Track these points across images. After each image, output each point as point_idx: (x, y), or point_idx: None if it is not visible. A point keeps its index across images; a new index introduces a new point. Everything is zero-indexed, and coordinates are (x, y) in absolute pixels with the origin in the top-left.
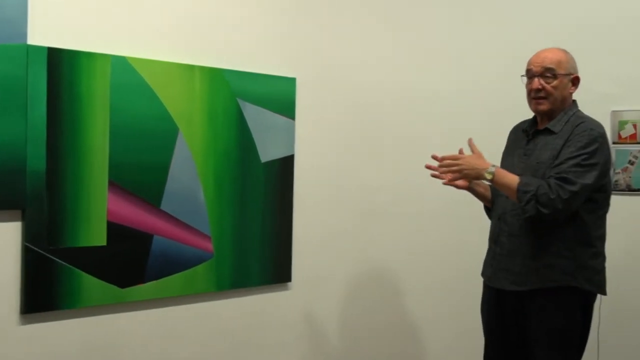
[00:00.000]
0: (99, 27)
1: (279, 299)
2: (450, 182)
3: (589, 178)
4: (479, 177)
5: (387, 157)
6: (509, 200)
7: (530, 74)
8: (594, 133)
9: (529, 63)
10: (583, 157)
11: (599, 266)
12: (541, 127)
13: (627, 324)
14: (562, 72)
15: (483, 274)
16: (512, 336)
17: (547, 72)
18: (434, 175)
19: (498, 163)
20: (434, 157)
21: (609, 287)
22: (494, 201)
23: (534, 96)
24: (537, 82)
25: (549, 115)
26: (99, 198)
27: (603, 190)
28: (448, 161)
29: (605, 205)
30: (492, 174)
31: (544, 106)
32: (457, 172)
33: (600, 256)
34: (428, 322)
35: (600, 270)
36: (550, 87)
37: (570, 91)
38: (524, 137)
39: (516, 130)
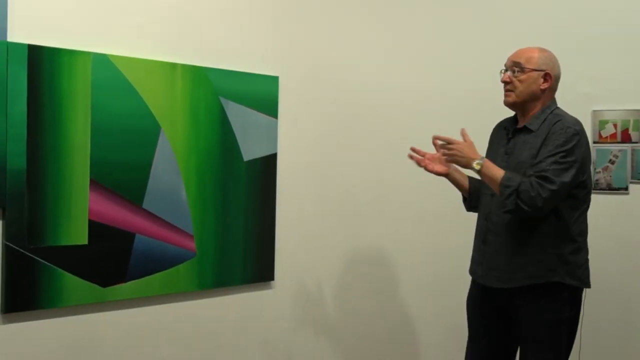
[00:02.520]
0: (80, 25)
1: (261, 298)
2: (431, 169)
3: (568, 176)
4: (468, 165)
5: (371, 155)
6: (493, 199)
7: (504, 68)
8: (570, 131)
9: (507, 59)
10: (561, 154)
11: (581, 260)
12: (520, 125)
13: (608, 318)
14: (530, 66)
15: (472, 272)
16: (497, 333)
17: (515, 66)
18: (417, 160)
19: None
20: (435, 138)
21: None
22: (478, 199)
23: (504, 89)
24: (505, 75)
25: (525, 112)
26: (80, 197)
27: (583, 187)
28: (441, 142)
29: (586, 201)
30: (481, 164)
31: (510, 98)
32: (449, 155)
33: (582, 250)
34: (414, 320)
35: (582, 264)
36: (517, 81)
37: (542, 87)
38: (504, 135)
39: (498, 128)
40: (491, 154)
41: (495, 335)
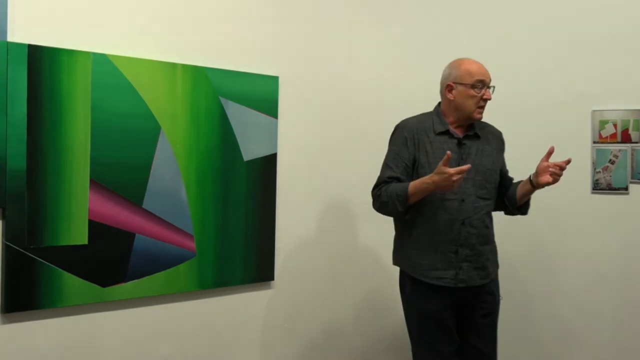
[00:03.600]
0: (80, 24)
1: (261, 298)
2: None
3: None
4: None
5: (370, 155)
6: (469, 204)
7: (483, 84)
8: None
9: (480, 74)
10: None
11: None
12: (461, 132)
13: (607, 317)
14: None
15: (436, 278)
16: (455, 331)
17: (490, 85)
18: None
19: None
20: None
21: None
22: (441, 207)
23: (482, 105)
24: (489, 93)
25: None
26: (80, 197)
27: None
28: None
29: None
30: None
31: (482, 115)
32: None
33: None
34: None
35: None
36: None
37: None
38: (447, 141)
39: (423, 130)
40: (431, 159)
41: (455, 336)
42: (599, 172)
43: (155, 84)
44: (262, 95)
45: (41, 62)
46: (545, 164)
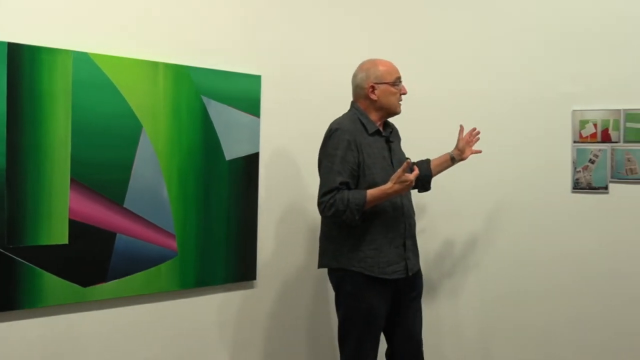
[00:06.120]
0: (61, 22)
1: (244, 298)
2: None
3: None
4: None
5: None
6: (404, 198)
7: (400, 80)
8: None
9: (396, 71)
10: None
11: None
12: (384, 131)
13: (594, 319)
14: None
15: (391, 272)
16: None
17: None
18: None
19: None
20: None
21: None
22: (388, 205)
23: (401, 100)
24: (405, 88)
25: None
26: (61, 196)
27: None
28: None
29: None
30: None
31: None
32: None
33: None
34: None
35: None
36: None
37: None
38: (379, 140)
39: (356, 132)
40: (374, 159)
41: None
42: (579, 171)
43: (137, 82)
44: (245, 94)
45: (21, 60)
46: (467, 139)
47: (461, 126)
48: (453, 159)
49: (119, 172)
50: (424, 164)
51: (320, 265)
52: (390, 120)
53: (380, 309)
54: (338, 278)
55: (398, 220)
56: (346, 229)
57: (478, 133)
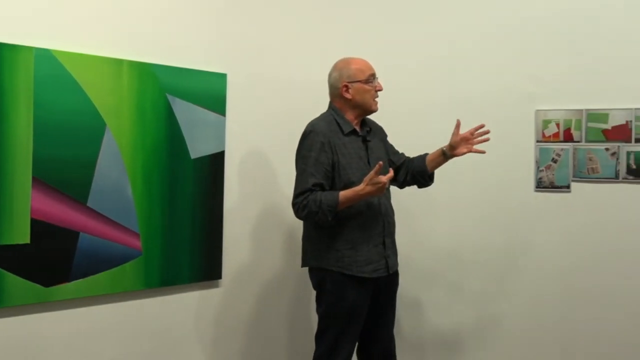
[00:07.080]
0: (22, 19)
1: (209, 297)
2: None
3: None
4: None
5: None
6: (383, 197)
7: (374, 77)
8: None
9: (369, 68)
10: None
11: None
12: (361, 130)
13: (551, 313)
14: None
15: (375, 270)
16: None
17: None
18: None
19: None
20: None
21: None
22: (364, 205)
23: (376, 97)
24: (380, 84)
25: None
26: (22, 195)
27: None
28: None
29: None
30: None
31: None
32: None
33: None
34: None
35: None
36: None
37: None
38: (355, 140)
39: (331, 133)
40: (349, 160)
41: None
42: (542, 170)
43: (101, 80)
44: (210, 92)
45: None
46: (464, 136)
47: (457, 121)
48: (445, 154)
49: (83, 171)
50: (420, 159)
51: (303, 265)
52: (370, 117)
53: (362, 307)
54: (318, 277)
55: (376, 219)
56: (323, 229)
57: (486, 133)
